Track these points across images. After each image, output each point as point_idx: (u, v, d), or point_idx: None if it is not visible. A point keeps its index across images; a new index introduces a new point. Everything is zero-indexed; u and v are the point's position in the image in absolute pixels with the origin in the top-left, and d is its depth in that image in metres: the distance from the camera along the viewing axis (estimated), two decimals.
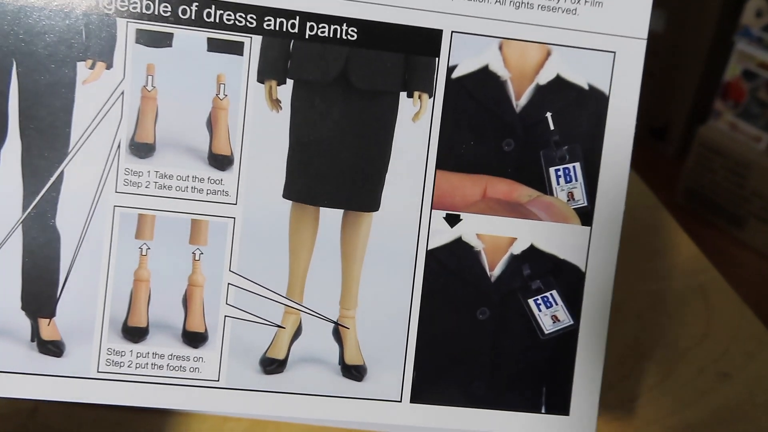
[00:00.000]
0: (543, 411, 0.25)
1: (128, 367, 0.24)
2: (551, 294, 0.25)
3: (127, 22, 0.23)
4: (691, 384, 0.34)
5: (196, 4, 0.23)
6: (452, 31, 0.24)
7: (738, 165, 1.17)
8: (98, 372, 0.24)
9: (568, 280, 0.25)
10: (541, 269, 0.25)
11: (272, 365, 0.25)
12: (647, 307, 0.38)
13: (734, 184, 1.18)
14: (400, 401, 0.25)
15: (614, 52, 0.25)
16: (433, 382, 0.25)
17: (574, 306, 0.25)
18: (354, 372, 0.25)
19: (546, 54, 0.24)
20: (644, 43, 0.25)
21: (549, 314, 0.25)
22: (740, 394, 0.33)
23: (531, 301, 0.25)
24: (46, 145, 0.23)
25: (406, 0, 0.24)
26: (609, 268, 0.25)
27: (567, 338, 0.25)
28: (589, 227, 0.25)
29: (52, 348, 0.24)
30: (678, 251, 0.41)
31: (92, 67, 0.23)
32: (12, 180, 0.23)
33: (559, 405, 0.25)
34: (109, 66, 0.23)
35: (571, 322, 0.25)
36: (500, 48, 0.24)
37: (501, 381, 0.25)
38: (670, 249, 0.41)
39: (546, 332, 0.25)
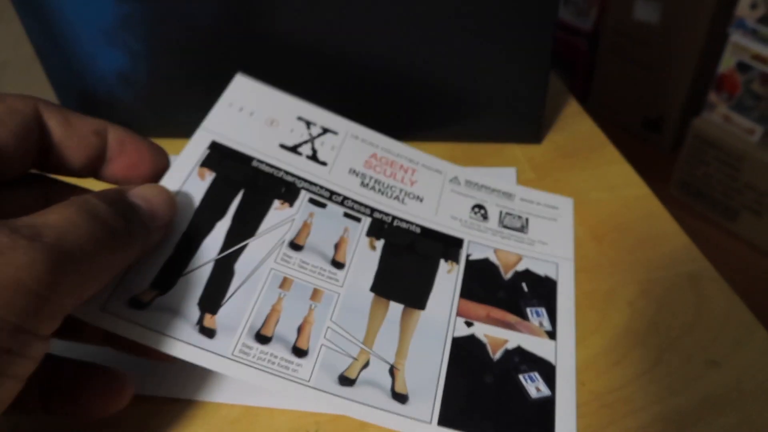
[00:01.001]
0: None
1: (252, 357, 0.35)
2: (534, 374, 0.39)
3: (306, 193, 0.44)
4: (680, 371, 0.35)
5: (341, 196, 0.44)
6: (469, 241, 0.45)
7: (731, 157, 1.18)
8: (233, 355, 0.35)
9: (544, 368, 0.39)
10: (526, 359, 0.39)
11: (345, 381, 0.36)
12: (638, 295, 0.39)
13: (727, 176, 1.19)
14: (430, 423, 0.35)
15: (557, 263, 0.45)
16: (453, 416, 0.36)
17: (550, 382, 0.38)
18: (400, 398, 0.36)
19: (520, 258, 0.45)
20: (572, 260, 0.45)
21: (533, 386, 0.38)
22: (728, 382, 0.34)
23: (520, 376, 0.39)
24: (243, 228, 0.40)
25: (445, 222, 0.45)
26: (571, 364, 0.39)
27: (547, 403, 0.38)
28: (555, 341, 0.41)
29: (208, 332, 0.36)
30: (669, 240, 0.42)
31: (282, 204, 0.42)
32: (217, 238, 0.39)
33: None
34: (290, 206, 0.43)
35: (549, 394, 0.38)
36: (495, 251, 0.45)
37: (503, 425, 0.36)
38: (661, 238, 0.43)
39: (532, 398, 0.38)
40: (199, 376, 0.38)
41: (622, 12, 1.46)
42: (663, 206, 0.45)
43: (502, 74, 0.50)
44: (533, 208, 0.48)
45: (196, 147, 0.42)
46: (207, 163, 0.42)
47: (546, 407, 0.37)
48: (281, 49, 0.50)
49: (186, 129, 0.52)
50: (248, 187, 0.42)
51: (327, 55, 0.50)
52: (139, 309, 0.35)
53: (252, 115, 0.46)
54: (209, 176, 0.42)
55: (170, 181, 0.40)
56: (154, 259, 0.37)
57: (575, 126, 0.57)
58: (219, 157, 0.43)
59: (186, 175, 0.41)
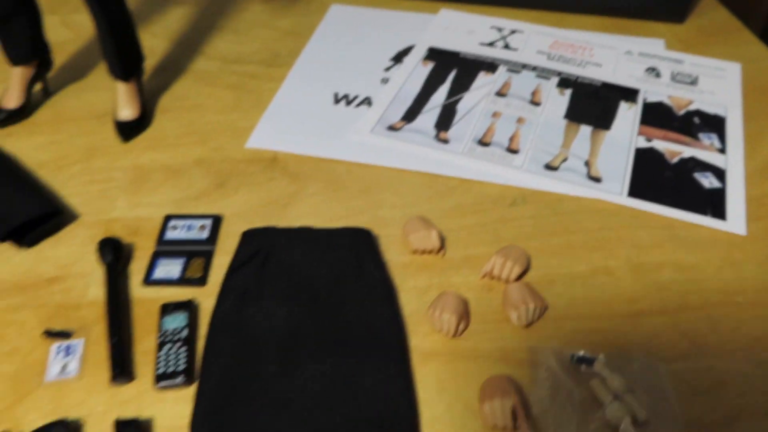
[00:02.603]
0: (710, 215, 0.43)
1: (477, 154, 0.47)
2: (707, 173, 0.46)
3: (504, 66, 0.56)
4: None
5: (532, 66, 0.56)
6: (645, 90, 0.54)
7: None
8: (462, 152, 0.47)
9: (716, 171, 0.47)
10: (699, 164, 0.47)
11: (550, 168, 0.47)
12: None
13: None
14: (621, 194, 0.45)
15: (725, 106, 0.52)
16: (640, 191, 0.45)
17: (721, 180, 0.46)
18: (595, 179, 0.46)
19: (691, 101, 0.53)
20: (740, 106, 0.52)
21: (707, 180, 0.46)
22: None
23: (695, 174, 0.46)
24: (459, 88, 0.53)
25: (622, 78, 0.55)
26: (739, 168, 0.46)
27: (719, 192, 0.45)
28: (725, 155, 0.48)
29: (443, 141, 0.48)
30: None
31: (486, 73, 0.55)
32: (441, 95, 0.53)
33: (719, 215, 0.43)
34: (492, 74, 0.55)
35: (721, 186, 0.45)
36: (668, 97, 0.53)
37: (682, 201, 0.44)
38: None
39: (706, 187, 0.45)
40: (421, 154, 0.48)
41: None
42: None
43: None
44: (702, 69, 0.56)
45: (418, 50, 0.58)
46: (427, 57, 0.57)
47: (718, 195, 0.45)
48: None
49: None
50: (459, 67, 0.56)
51: None
52: (393, 131, 0.49)
53: (456, 30, 0.61)
54: (430, 65, 0.57)
55: (404, 70, 0.55)
56: (401, 106, 0.51)
57: (711, 12, 0.66)
58: (435, 54, 0.59)
59: (414, 66, 0.57)
